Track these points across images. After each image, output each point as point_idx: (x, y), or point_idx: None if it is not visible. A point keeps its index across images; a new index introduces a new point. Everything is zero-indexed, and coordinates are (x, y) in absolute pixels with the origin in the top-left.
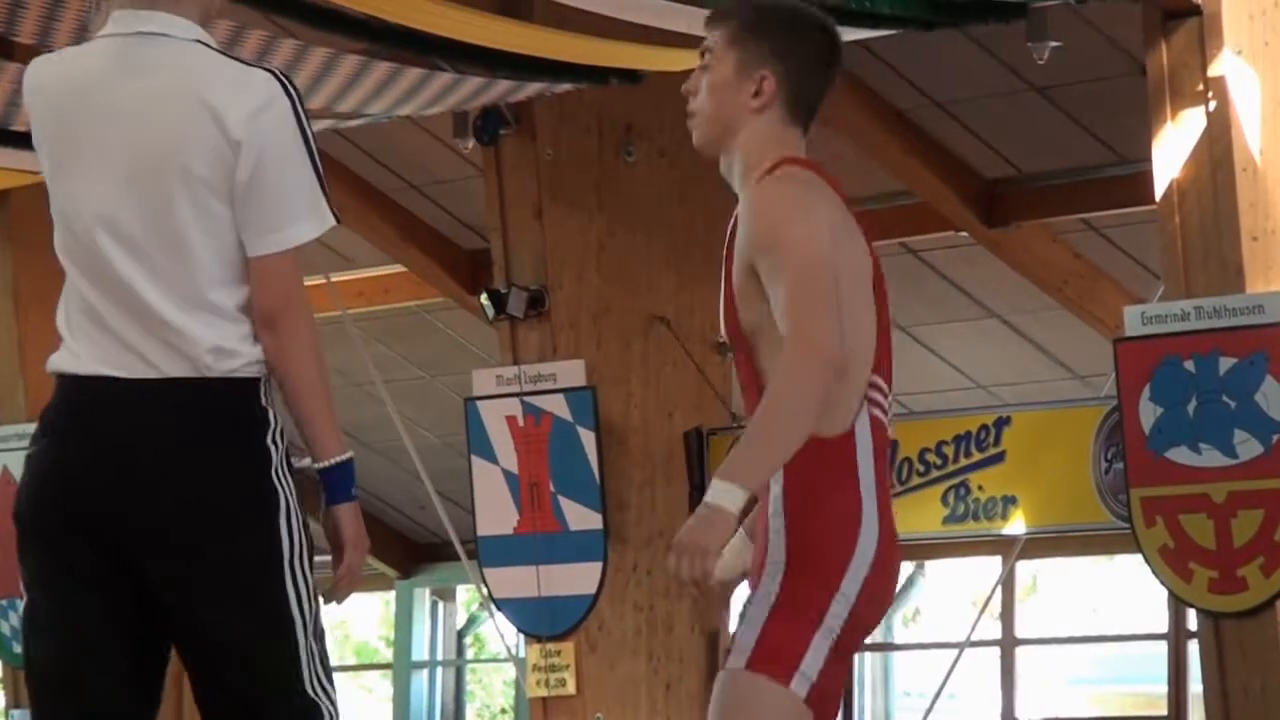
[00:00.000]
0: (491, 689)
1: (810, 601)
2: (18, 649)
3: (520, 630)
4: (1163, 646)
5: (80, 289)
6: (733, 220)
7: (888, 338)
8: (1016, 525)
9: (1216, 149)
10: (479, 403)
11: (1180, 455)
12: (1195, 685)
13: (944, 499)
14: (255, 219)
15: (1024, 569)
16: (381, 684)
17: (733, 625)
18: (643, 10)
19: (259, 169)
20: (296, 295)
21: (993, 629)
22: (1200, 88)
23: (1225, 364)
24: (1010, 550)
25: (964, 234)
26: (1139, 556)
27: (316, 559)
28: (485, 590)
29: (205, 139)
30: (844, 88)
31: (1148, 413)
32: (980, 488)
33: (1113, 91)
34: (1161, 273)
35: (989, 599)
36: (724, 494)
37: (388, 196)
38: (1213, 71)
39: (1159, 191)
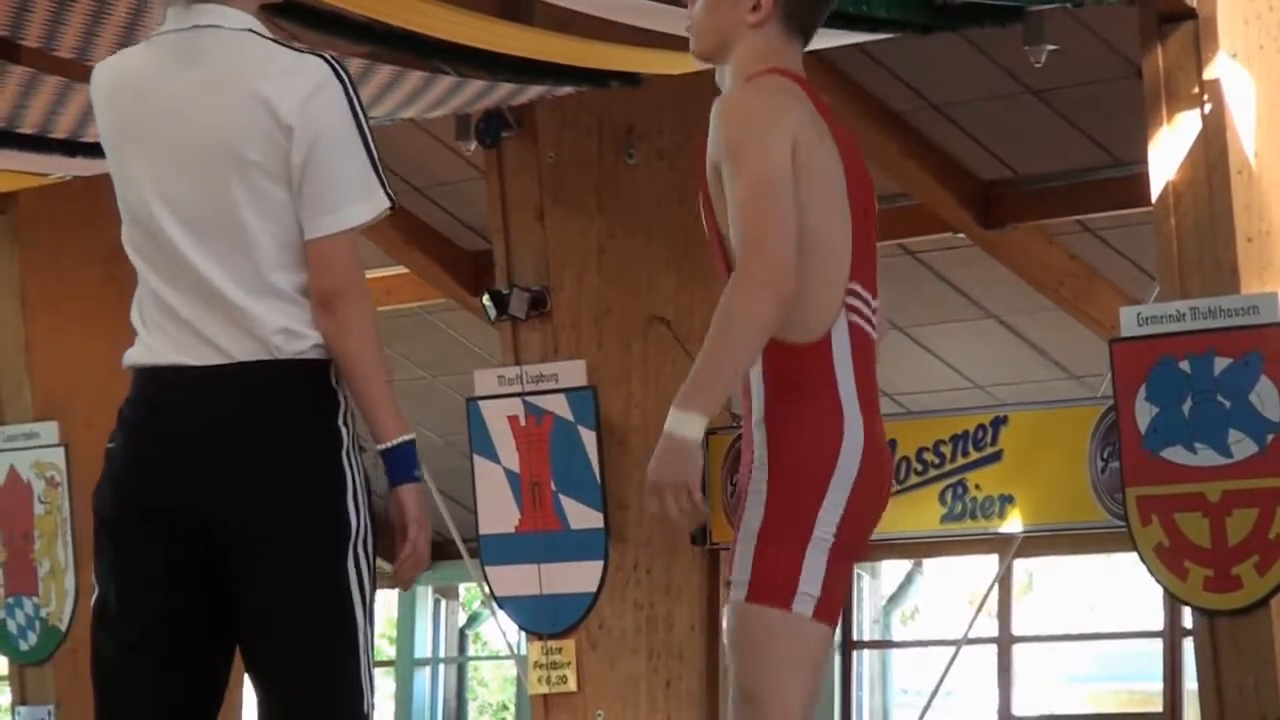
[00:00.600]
0: (493, 686)
1: (797, 517)
2: (24, 646)
3: (521, 628)
4: (1158, 644)
5: (150, 283)
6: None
7: (868, 246)
8: (1013, 524)
9: (1212, 151)
10: (481, 403)
11: (1176, 454)
12: (1190, 682)
13: (941, 498)
14: (310, 201)
15: (1021, 567)
16: (384, 681)
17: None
18: (642, 13)
19: (312, 153)
20: (354, 277)
21: (990, 627)
22: (1196, 91)
23: (1220, 364)
24: (1007, 549)
25: (961, 235)
26: (1135, 555)
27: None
28: (487, 588)
29: (258, 126)
30: (841, 90)
31: (1143, 412)
32: (977, 487)
33: (1109, 94)
34: (1157, 274)
35: (986, 597)
36: (683, 422)
37: None
38: (1208, 75)
39: (1154, 193)
